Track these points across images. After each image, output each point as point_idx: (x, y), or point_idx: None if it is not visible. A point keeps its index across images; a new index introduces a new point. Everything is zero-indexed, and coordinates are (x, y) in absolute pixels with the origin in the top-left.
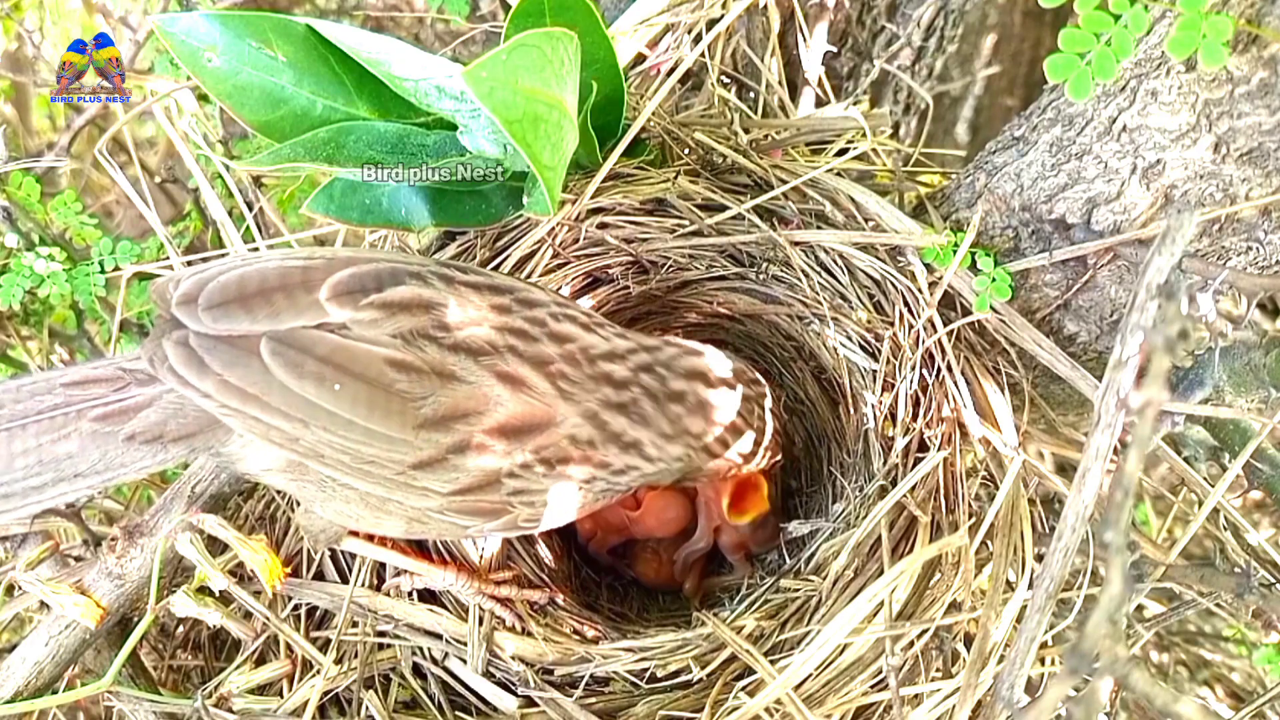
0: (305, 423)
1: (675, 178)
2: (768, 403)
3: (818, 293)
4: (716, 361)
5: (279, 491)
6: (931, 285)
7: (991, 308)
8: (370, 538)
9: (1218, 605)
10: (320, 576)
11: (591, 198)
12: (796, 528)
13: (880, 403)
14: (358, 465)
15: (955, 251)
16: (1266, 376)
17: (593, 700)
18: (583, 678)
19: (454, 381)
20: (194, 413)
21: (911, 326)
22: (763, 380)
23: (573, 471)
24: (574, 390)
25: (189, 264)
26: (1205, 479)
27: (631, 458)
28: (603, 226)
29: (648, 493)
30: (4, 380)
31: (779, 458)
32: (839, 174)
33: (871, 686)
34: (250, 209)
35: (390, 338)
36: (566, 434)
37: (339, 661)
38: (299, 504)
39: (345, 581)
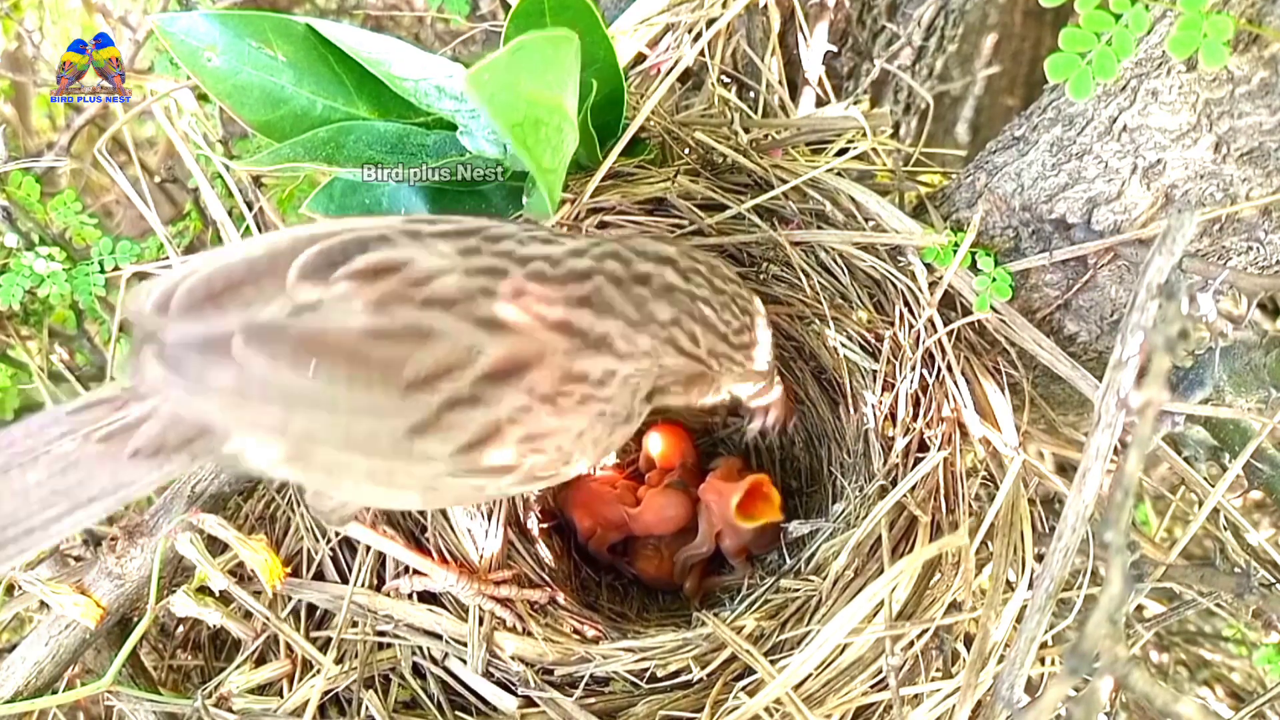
0: (288, 409)
1: (675, 177)
2: (764, 334)
3: (818, 292)
4: (709, 263)
5: (279, 491)
6: (932, 285)
7: (992, 307)
8: (373, 524)
9: (1218, 605)
10: (320, 576)
11: (591, 197)
12: (797, 528)
13: (880, 402)
14: (352, 441)
15: (955, 251)
16: (1267, 376)
17: (593, 700)
18: (583, 678)
19: (431, 339)
20: (190, 419)
21: (912, 326)
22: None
23: (568, 402)
24: (544, 309)
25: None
26: (1205, 479)
27: (605, 358)
28: (603, 226)
29: (648, 490)
30: (18, 422)
31: (777, 400)
32: (839, 174)
33: (871, 686)
34: (250, 209)
35: (363, 307)
36: (555, 361)
37: (339, 661)
38: (308, 487)
39: (345, 581)
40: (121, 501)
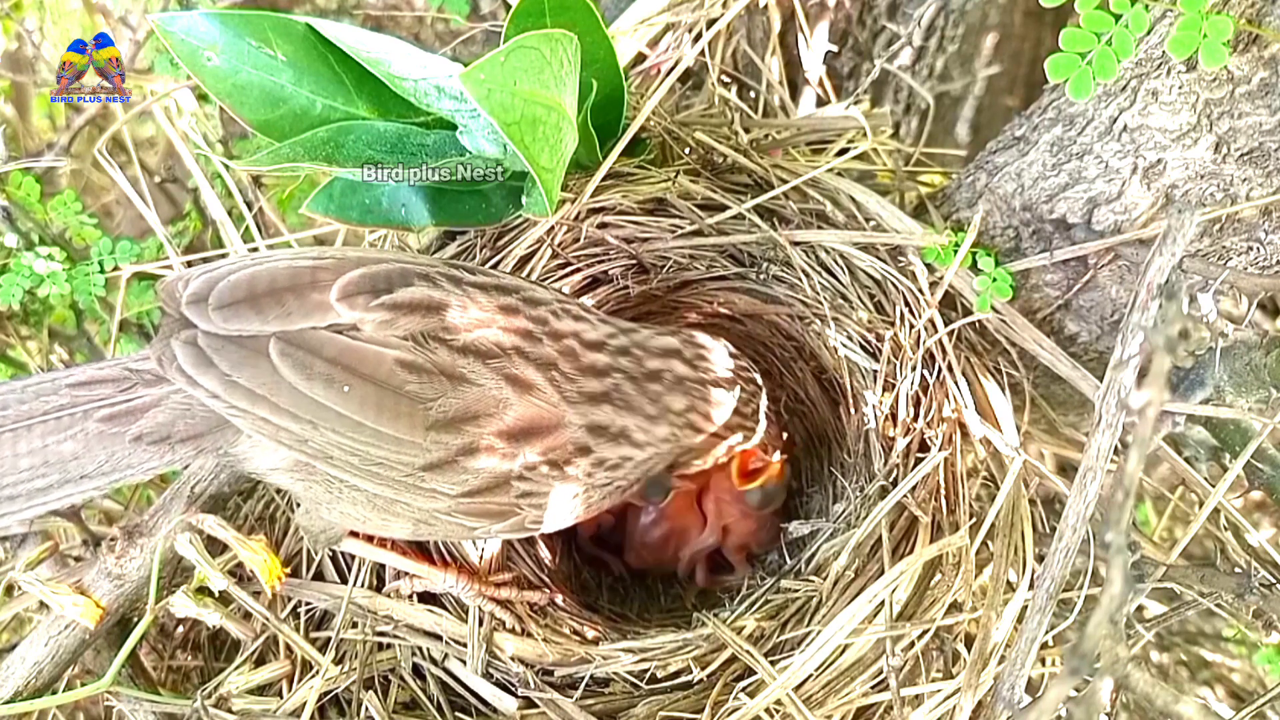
0: (314, 424)
1: (675, 177)
2: (763, 399)
3: (818, 293)
4: (708, 346)
5: (278, 491)
6: (932, 285)
7: (992, 308)
8: (370, 539)
9: (1218, 605)
10: (320, 577)
11: (592, 197)
12: (797, 528)
13: (881, 403)
14: (366, 467)
15: (956, 251)
16: (1267, 376)
17: (592, 701)
18: (582, 678)
19: (464, 384)
20: (202, 413)
21: (912, 326)
22: (758, 379)
23: (575, 472)
24: (569, 387)
25: (189, 264)
26: (1206, 479)
27: (623, 448)
28: (603, 226)
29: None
30: (8, 381)
31: (777, 444)
32: (839, 174)
33: (872, 687)
34: (250, 209)
35: (400, 339)
36: (572, 435)
37: (338, 662)
38: (299, 504)
39: (345, 582)
40: (115, 483)
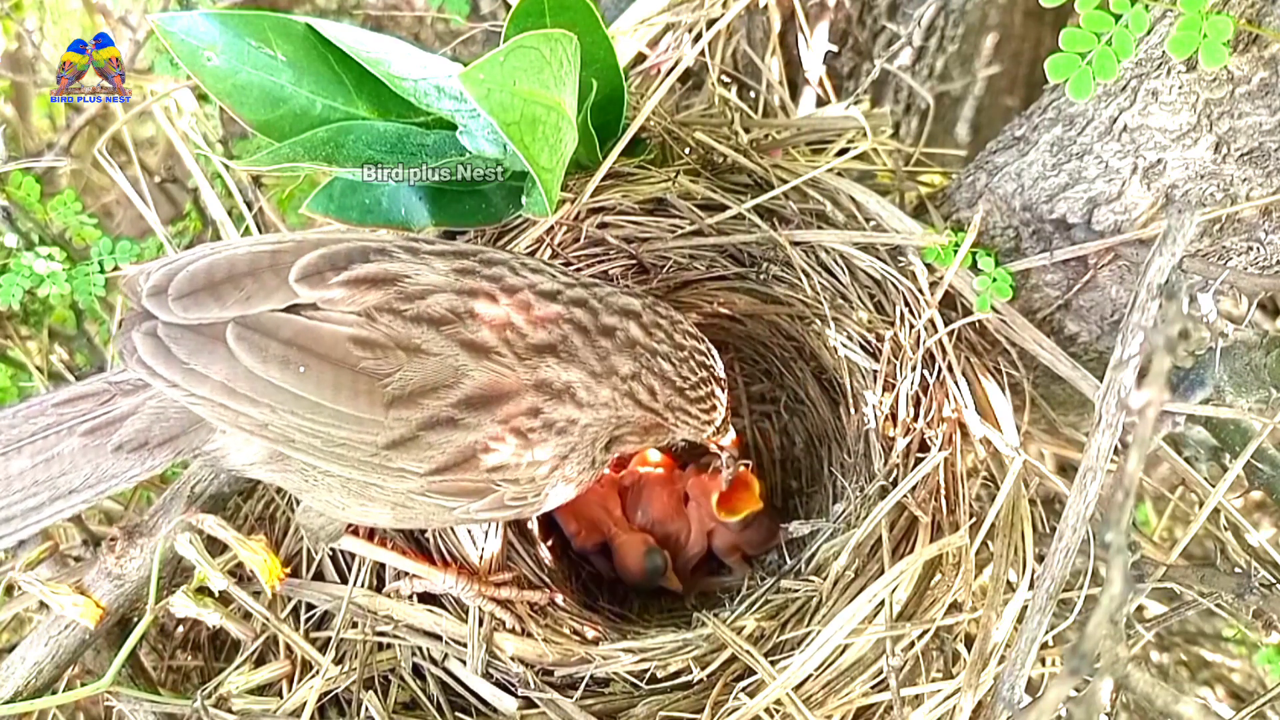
0: (272, 407)
1: (675, 177)
2: (720, 394)
3: (818, 293)
4: (672, 318)
5: (278, 491)
6: (932, 285)
7: (992, 308)
8: (370, 537)
9: (1218, 606)
10: (320, 577)
11: (592, 197)
12: (797, 528)
13: (881, 403)
14: (329, 449)
15: (956, 251)
16: (1267, 376)
17: (592, 701)
18: (583, 679)
19: (419, 355)
20: (175, 416)
21: (912, 326)
22: (718, 369)
23: (536, 439)
24: (520, 343)
25: None
26: (1206, 479)
27: (567, 407)
28: (603, 226)
29: (620, 534)
30: (3, 407)
31: (730, 452)
32: (839, 174)
33: (872, 687)
34: (250, 209)
35: (356, 315)
36: (528, 399)
37: (338, 662)
38: (298, 503)
39: (345, 582)
40: (102, 495)
